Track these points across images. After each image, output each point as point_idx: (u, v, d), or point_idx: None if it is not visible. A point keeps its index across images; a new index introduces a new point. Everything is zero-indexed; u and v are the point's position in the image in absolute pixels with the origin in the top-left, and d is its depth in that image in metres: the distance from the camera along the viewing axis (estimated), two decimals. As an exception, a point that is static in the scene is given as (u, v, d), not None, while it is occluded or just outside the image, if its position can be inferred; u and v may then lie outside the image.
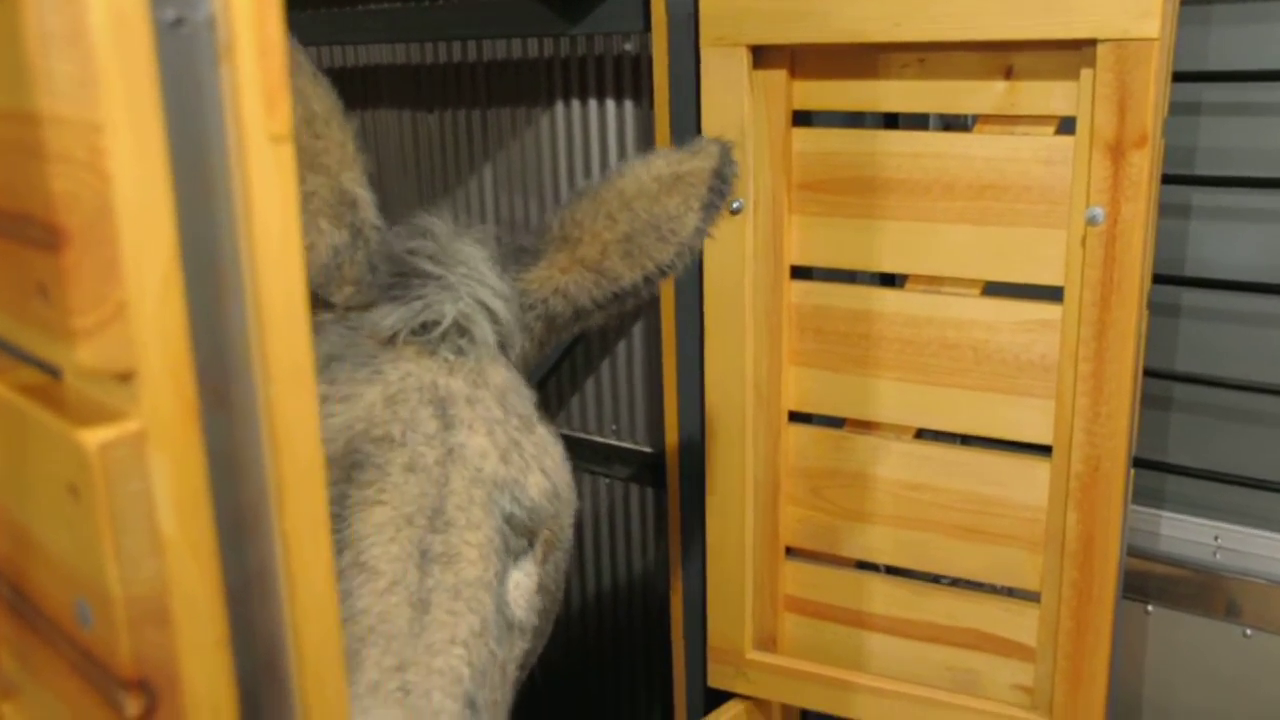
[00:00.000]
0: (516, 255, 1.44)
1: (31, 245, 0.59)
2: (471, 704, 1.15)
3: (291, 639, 0.67)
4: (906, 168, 1.82)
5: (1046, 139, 1.72)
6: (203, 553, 0.64)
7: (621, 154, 2.38)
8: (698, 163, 1.46)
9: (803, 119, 1.90)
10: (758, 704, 2.12)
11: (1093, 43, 1.62)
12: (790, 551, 2.06)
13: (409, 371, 1.28)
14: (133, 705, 0.63)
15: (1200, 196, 1.95)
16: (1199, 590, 2.04)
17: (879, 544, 1.97)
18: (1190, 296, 2.00)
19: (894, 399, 1.91)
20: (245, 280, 0.63)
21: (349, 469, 1.20)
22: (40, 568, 0.70)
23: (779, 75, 1.86)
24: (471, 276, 1.35)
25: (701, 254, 1.94)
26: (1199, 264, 1.98)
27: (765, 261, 1.93)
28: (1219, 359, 1.98)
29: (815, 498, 2.01)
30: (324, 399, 1.24)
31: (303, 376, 0.65)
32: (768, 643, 2.08)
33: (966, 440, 1.92)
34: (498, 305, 1.35)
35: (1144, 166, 1.62)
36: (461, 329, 1.32)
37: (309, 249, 1.29)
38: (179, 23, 0.59)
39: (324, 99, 1.29)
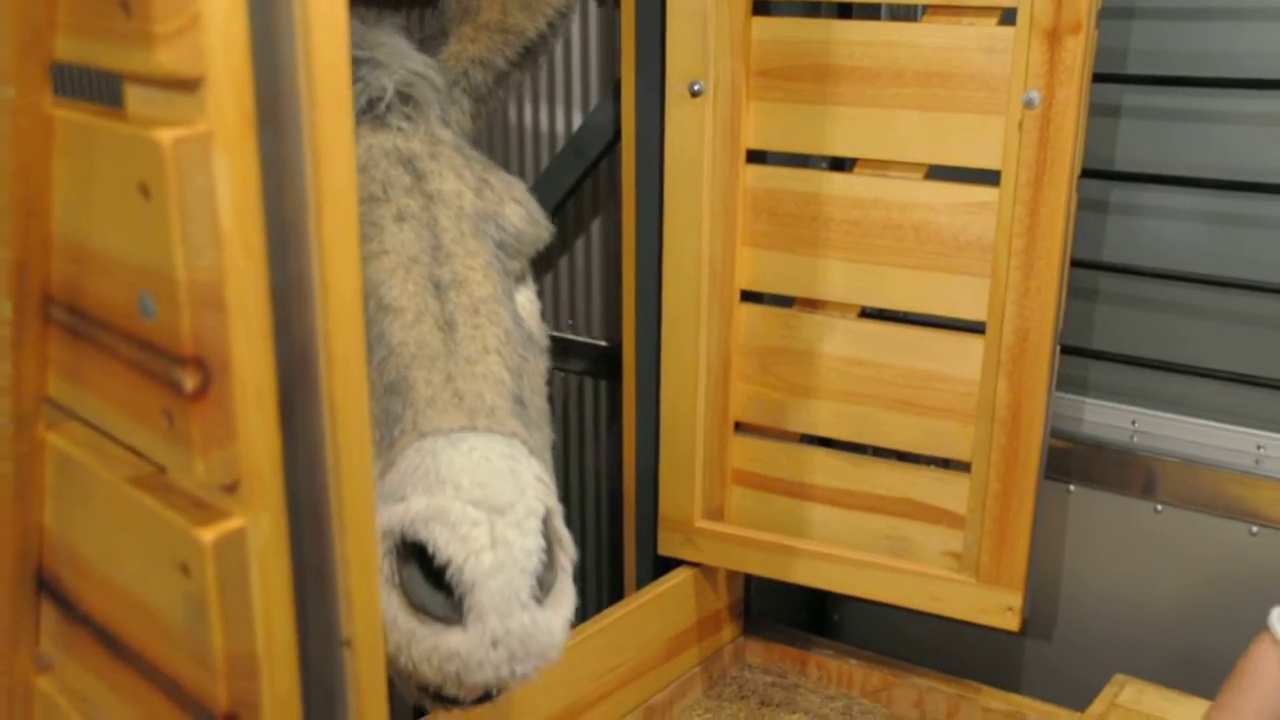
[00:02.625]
0: (425, 43, 1.55)
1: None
2: (519, 400, 1.28)
3: (322, 338, 0.77)
4: (858, 55, 1.93)
5: (990, 28, 1.84)
6: (254, 250, 0.73)
7: (585, 52, 2.46)
8: None
9: (761, 8, 1.99)
10: (704, 570, 2.24)
11: (1033, -64, 1.73)
12: (739, 426, 2.17)
13: (370, 144, 1.38)
14: (190, 380, 0.73)
15: (1131, 96, 2.08)
16: (1117, 470, 2.18)
17: (823, 418, 2.09)
18: (1118, 193, 2.13)
19: (840, 279, 2.02)
20: (296, 10, 0.72)
21: None
22: (100, 276, 0.79)
23: (740, -34, 1.96)
24: (398, 53, 1.45)
25: (662, 140, 2.04)
26: (1126, 162, 2.11)
27: (723, 146, 2.03)
28: (1142, 253, 2.12)
29: (764, 375, 2.12)
30: None
31: (343, 102, 0.75)
32: (715, 513, 2.20)
33: (907, 318, 2.05)
34: (430, 73, 1.46)
35: (1078, 52, 1.74)
36: (405, 97, 1.42)
37: None
38: None
39: None
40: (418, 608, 1.12)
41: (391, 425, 1.22)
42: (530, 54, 1.58)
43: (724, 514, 2.21)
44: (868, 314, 2.04)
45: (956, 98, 1.88)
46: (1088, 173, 2.00)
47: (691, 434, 2.15)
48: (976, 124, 1.87)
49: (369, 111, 1.40)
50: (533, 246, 1.46)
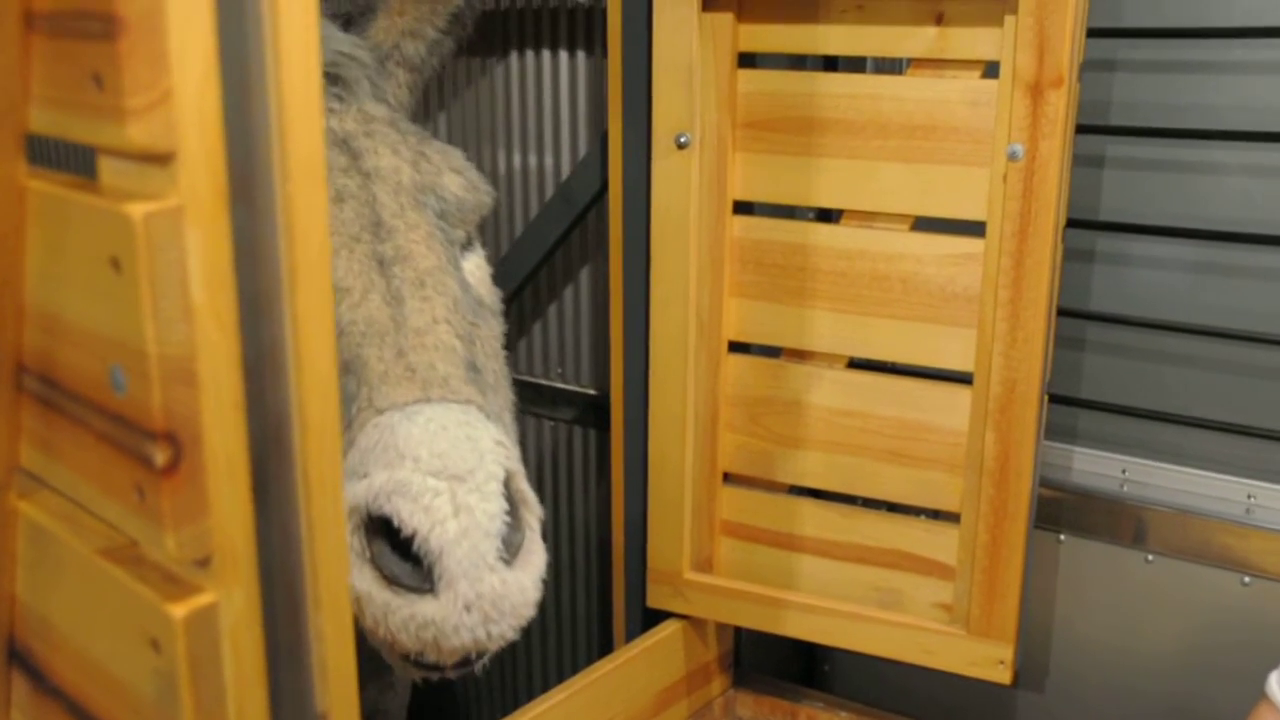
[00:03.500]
0: (352, 21, 1.57)
1: (89, 39, 0.68)
2: (472, 366, 1.30)
3: (296, 409, 0.76)
4: (843, 108, 1.94)
5: (973, 82, 1.85)
6: (226, 323, 0.72)
7: (574, 103, 2.48)
8: None
9: (747, 61, 2.00)
10: (694, 623, 2.22)
11: (1003, -10, 1.75)
12: (728, 477, 2.16)
13: None
14: (161, 455, 0.72)
15: (1114, 147, 2.08)
16: (1107, 519, 2.17)
17: (811, 469, 2.08)
18: (1104, 243, 2.13)
19: (828, 329, 2.02)
20: (270, 81, 0.72)
21: None
22: (73, 349, 0.78)
23: (726, 18, 1.97)
24: (323, 34, 1.44)
25: (649, 191, 2.05)
26: (1112, 212, 2.11)
27: (709, 197, 2.03)
28: (1128, 302, 2.12)
29: (752, 425, 2.12)
30: None
31: (316, 174, 0.75)
32: (704, 565, 2.19)
33: (895, 369, 2.04)
34: (357, 51, 1.48)
35: (1060, 105, 1.75)
36: (333, 78, 1.43)
37: None
38: None
39: None
40: (390, 580, 1.15)
41: (348, 404, 1.23)
42: (458, 20, 1.61)
43: (713, 565, 2.19)
44: (856, 364, 2.04)
45: (941, 150, 1.88)
46: (1073, 223, 2.01)
47: (680, 485, 2.14)
48: (961, 176, 1.87)
49: None
50: (475, 213, 1.48)
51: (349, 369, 1.25)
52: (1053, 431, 2.16)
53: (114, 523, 0.80)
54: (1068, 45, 1.73)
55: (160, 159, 0.69)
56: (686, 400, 2.10)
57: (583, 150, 2.48)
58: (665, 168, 2.03)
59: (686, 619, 2.21)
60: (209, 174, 0.70)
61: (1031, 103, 1.76)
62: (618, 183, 2.14)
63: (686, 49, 1.97)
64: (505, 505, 1.17)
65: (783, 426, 2.09)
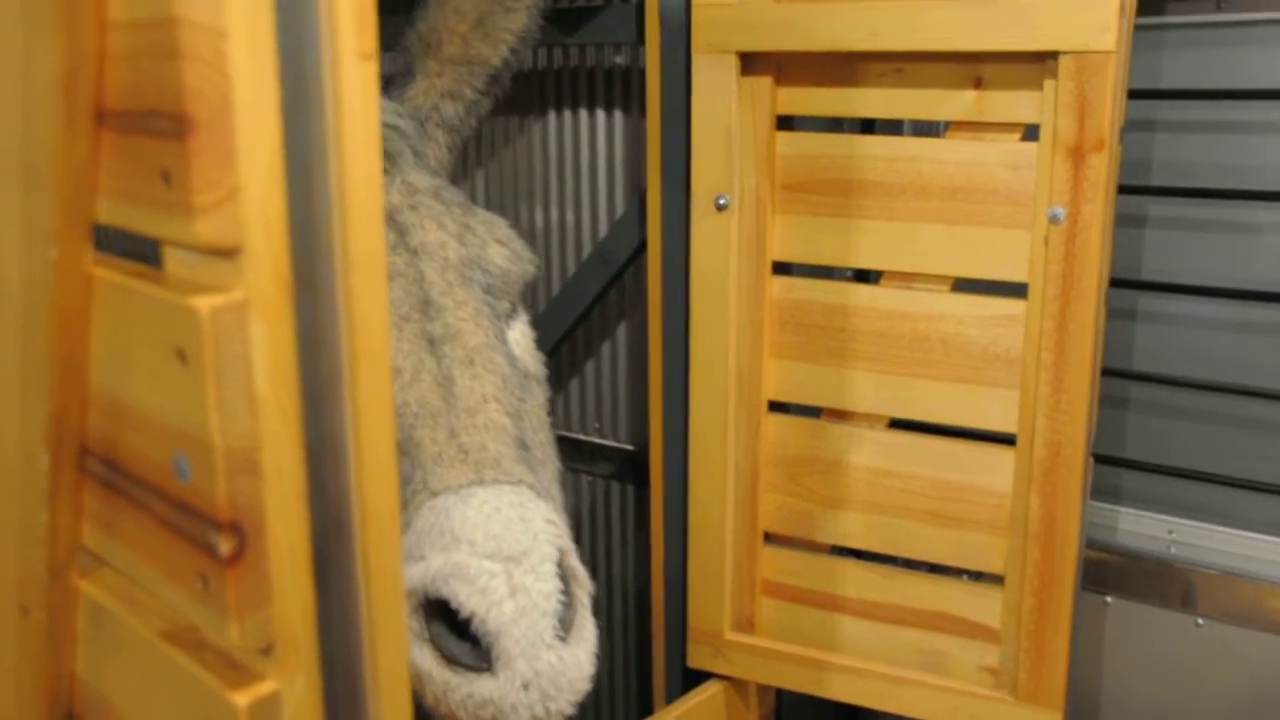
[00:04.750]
0: (391, 83, 1.58)
1: (158, 137, 0.69)
2: (521, 443, 1.32)
3: (357, 499, 0.77)
4: (882, 170, 1.94)
5: (1013, 145, 1.85)
6: (289, 413, 0.73)
7: (612, 162, 2.50)
8: None
9: (786, 123, 2.02)
10: (735, 684, 2.21)
11: (1055, 55, 1.75)
12: (768, 537, 2.16)
13: None
14: (225, 545, 0.73)
15: (1155, 207, 2.08)
16: (1154, 582, 2.15)
17: (853, 529, 2.07)
18: (1146, 302, 2.12)
19: (868, 389, 2.02)
20: (332, 177, 0.73)
21: None
22: (137, 435, 0.79)
23: (765, 81, 1.98)
24: None
25: (688, 252, 2.06)
26: (1154, 272, 2.11)
27: (749, 258, 2.04)
28: (1173, 361, 2.11)
29: (793, 485, 2.11)
30: None
31: (377, 265, 0.76)
32: (745, 625, 2.17)
33: (936, 429, 2.03)
34: (399, 121, 1.49)
35: (1102, 169, 1.75)
36: None
37: None
38: (286, -49, 0.70)
39: None
40: (449, 659, 1.17)
41: (402, 486, 1.25)
42: (496, 80, 1.63)
43: (754, 626, 2.18)
44: (897, 425, 2.03)
45: (981, 212, 1.89)
46: (1116, 282, 2.00)
47: (720, 544, 2.13)
48: (1002, 238, 1.87)
49: None
50: (519, 283, 1.50)
51: (403, 451, 1.27)
52: (1098, 492, 2.14)
53: (175, 607, 0.81)
54: (1109, 109, 1.73)
55: (226, 253, 0.70)
56: (727, 460, 2.10)
57: (620, 209, 2.50)
58: (705, 229, 2.04)
59: (728, 680, 2.20)
60: (273, 268, 0.71)
61: (1073, 166, 1.76)
62: (656, 242, 2.16)
63: (726, 112, 1.98)
64: (559, 584, 1.18)
65: (823, 486, 2.08)
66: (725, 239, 2.03)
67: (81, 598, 0.91)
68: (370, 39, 0.73)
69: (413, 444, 1.26)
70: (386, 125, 1.49)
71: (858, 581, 2.08)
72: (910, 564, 2.09)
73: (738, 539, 2.14)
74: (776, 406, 2.12)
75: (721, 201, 2.01)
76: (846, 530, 2.08)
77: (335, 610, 0.78)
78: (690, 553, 2.16)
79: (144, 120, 0.70)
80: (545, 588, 1.17)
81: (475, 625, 1.15)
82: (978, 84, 1.88)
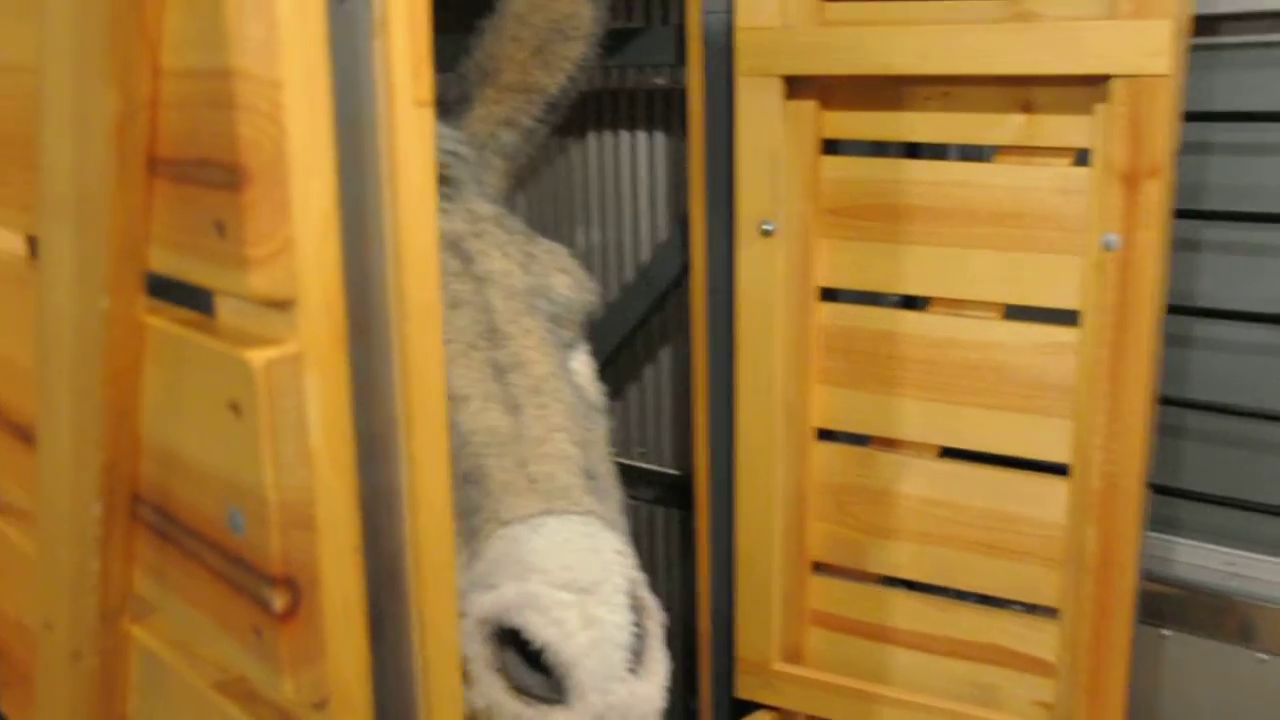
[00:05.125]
0: (450, 110, 1.57)
1: (212, 187, 0.68)
2: (589, 473, 1.32)
3: (411, 551, 0.76)
4: (930, 195, 1.92)
5: (1063, 169, 1.82)
6: (343, 466, 0.72)
7: (654, 184, 2.48)
8: None
9: (832, 147, 2.00)
10: (783, 715, 2.18)
11: (1107, 79, 1.72)
12: (817, 566, 2.13)
13: None
14: (280, 600, 0.71)
15: (1212, 231, 2.04)
16: (1214, 615, 2.10)
17: (903, 560, 2.04)
18: (1202, 328, 2.08)
19: (918, 418, 1.99)
20: (387, 226, 0.72)
21: None
22: (190, 486, 0.78)
23: (810, 105, 1.96)
24: None
25: (732, 277, 2.04)
26: (1210, 297, 2.06)
27: (794, 284, 2.02)
28: (1231, 389, 2.06)
29: (841, 514, 2.08)
30: None
31: (433, 315, 0.74)
32: (794, 655, 2.15)
33: (987, 458, 2.00)
34: (461, 149, 1.49)
35: (1157, 195, 1.71)
36: (441, 178, 1.41)
37: None
38: (344, 1, 0.69)
39: None
40: (521, 690, 1.16)
41: (472, 514, 1.25)
42: (553, 109, 1.61)
43: (803, 656, 2.15)
44: (947, 454, 2.00)
45: (1031, 238, 1.86)
46: (1172, 308, 1.96)
47: (768, 573, 2.11)
48: (1052, 264, 1.84)
49: None
50: (582, 312, 1.50)
51: (472, 479, 1.26)
52: (1155, 522, 2.10)
53: (228, 658, 0.80)
54: (1164, 135, 1.70)
55: (281, 305, 0.69)
56: (774, 487, 2.08)
57: (663, 231, 2.49)
58: (750, 255, 2.02)
59: (776, 710, 2.17)
60: (328, 319, 0.70)
61: (1127, 192, 1.73)
62: (700, 267, 2.14)
63: (770, 136, 1.96)
64: (631, 616, 1.18)
65: (873, 516, 2.05)
66: (771, 264, 2.01)
67: (134, 644, 0.90)
68: (426, 86, 0.72)
69: (481, 473, 1.26)
70: (448, 152, 1.48)
71: (908, 613, 2.05)
72: (962, 595, 2.05)
73: (786, 568, 2.11)
74: (824, 434, 2.09)
75: (767, 227, 1.99)
76: (897, 560, 2.05)
77: (390, 665, 0.76)
78: (737, 582, 2.14)
79: (198, 170, 0.69)
80: (618, 620, 1.16)
81: (548, 656, 1.14)
82: (1027, 108, 1.85)
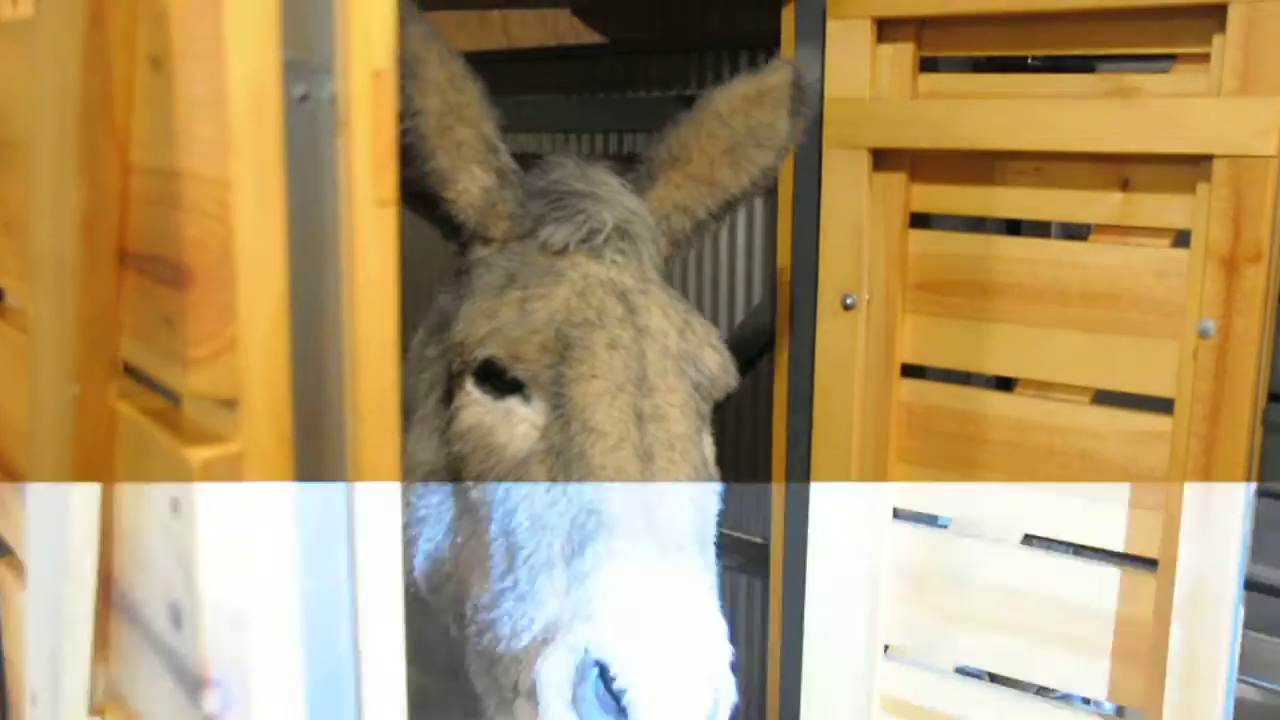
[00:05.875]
0: (634, 183, 1.59)
1: (163, 283, 0.68)
2: (700, 540, 1.33)
3: (361, 654, 0.74)
4: (1020, 273, 1.84)
5: (1160, 250, 1.73)
6: (285, 567, 0.71)
7: (750, 246, 2.45)
8: (775, 79, 1.64)
9: (919, 221, 1.94)
10: (848, 803, 2.10)
11: (1209, 158, 1.63)
12: (888, 650, 2.05)
13: (587, 272, 1.45)
14: (209, 702, 0.70)
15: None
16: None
17: (979, 648, 1.95)
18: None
19: (999, 502, 1.91)
20: (345, 327, 0.71)
21: (561, 351, 1.38)
22: (145, 575, 0.78)
23: (898, 178, 1.91)
24: (616, 191, 1.52)
25: (814, 348, 1.99)
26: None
27: (876, 358, 1.96)
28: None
29: (917, 597, 2.00)
30: (523, 301, 1.42)
31: (388, 415, 0.73)
32: (863, 741, 2.07)
33: (1072, 549, 1.91)
34: (644, 213, 1.53)
35: (1258, 281, 1.62)
36: (622, 232, 1.49)
37: (463, 193, 1.50)
38: (305, 98, 0.68)
39: (457, 63, 1.47)
40: None
41: (584, 542, 1.26)
42: (728, 208, 1.64)
43: (872, 744, 2.07)
44: (1028, 540, 1.91)
45: (1124, 320, 1.77)
46: (1275, 396, 1.85)
47: (837, 653, 2.04)
48: (1146, 348, 1.75)
49: (587, 241, 1.47)
50: (723, 391, 1.51)
51: (590, 509, 1.28)
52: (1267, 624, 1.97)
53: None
54: (1267, 217, 1.60)
55: (225, 403, 0.68)
56: (847, 565, 2.01)
57: (757, 296, 2.45)
58: (831, 328, 1.97)
59: (841, 798, 2.09)
60: (273, 420, 0.69)
61: (1226, 277, 1.64)
62: (784, 337, 2.09)
63: (856, 208, 1.92)
64: (714, 696, 1.17)
65: (949, 601, 1.97)
66: (852, 339, 1.95)
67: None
68: (389, 185, 0.70)
69: (602, 505, 1.28)
70: (635, 212, 1.53)
71: (984, 705, 1.96)
72: (1041, 690, 1.95)
73: (854, 650, 2.04)
74: (902, 514, 2.02)
75: (849, 301, 1.93)
76: (973, 649, 1.96)
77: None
78: (805, 661, 2.07)
79: (152, 265, 0.69)
80: (700, 698, 1.16)
81: (627, 701, 1.14)
82: (1124, 186, 1.76)
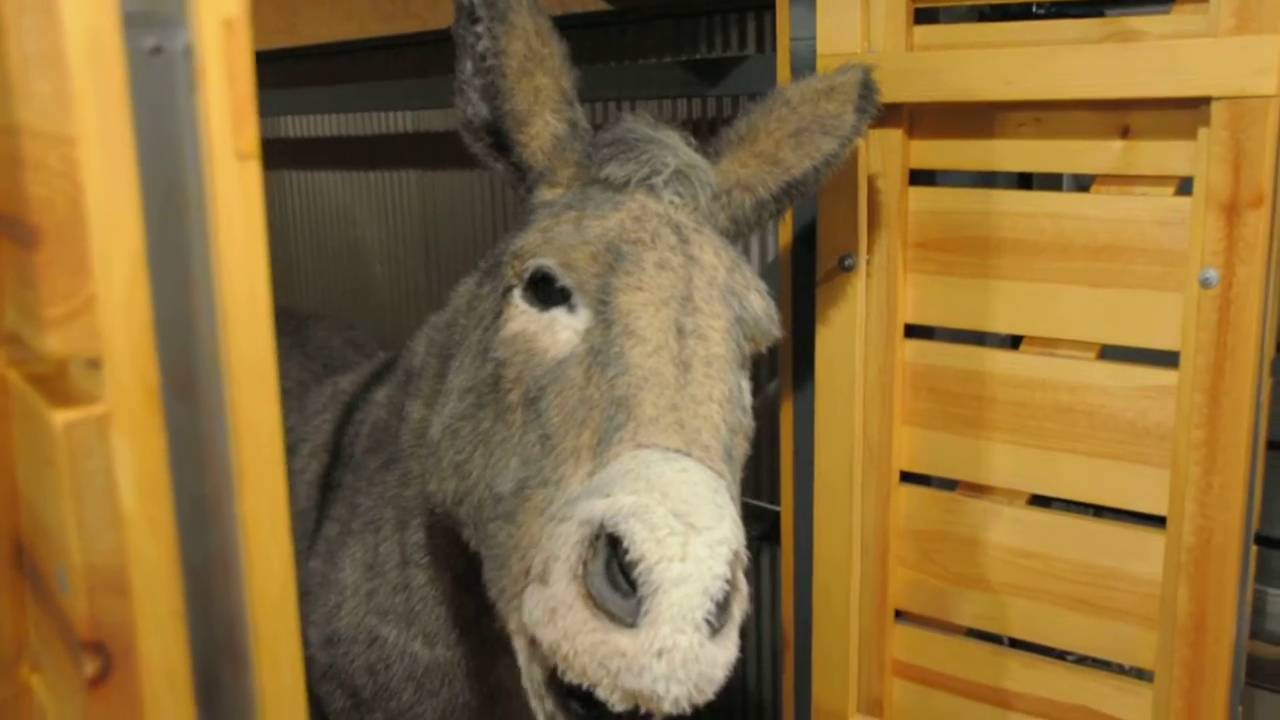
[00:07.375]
0: (706, 157, 1.62)
1: (18, 244, 0.67)
2: (728, 454, 1.33)
3: (250, 618, 0.73)
4: (1021, 228, 1.80)
5: (1163, 199, 1.68)
6: (161, 530, 0.70)
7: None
8: (846, 78, 1.71)
9: (919, 178, 1.89)
10: (862, 769, 2.08)
11: (1208, 100, 1.57)
12: (899, 615, 2.02)
13: (645, 204, 1.48)
14: (90, 665, 0.69)
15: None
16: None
17: (990, 611, 1.92)
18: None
19: (1007, 463, 1.86)
20: (213, 283, 0.69)
21: (610, 262, 1.40)
22: (41, 540, 0.77)
23: (895, 134, 1.86)
24: (682, 145, 1.56)
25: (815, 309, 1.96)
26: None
27: (878, 319, 1.92)
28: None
29: (926, 561, 1.97)
30: (579, 219, 1.45)
31: (265, 373, 0.71)
32: (874, 706, 2.04)
33: (1080, 507, 1.86)
34: (707, 168, 1.56)
35: (1260, 227, 1.56)
36: (682, 176, 1.52)
37: (535, 136, 1.55)
38: (158, 50, 0.67)
39: (545, 19, 1.53)
40: (595, 601, 1.14)
41: (611, 432, 1.26)
42: (789, 192, 1.66)
43: (883, 708, 2.04)
44: (1037, 501, 1.87)
45: (1128, 273, 1.71)
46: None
47: (845, 619, 2.01)
48: (1151, 301, 1.70)
49: (647, 180, 1.50)
50: (765, 338, 1.51)
51: (621, 404, 1.28)
52: (1272, 576, 1.92)
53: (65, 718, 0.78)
54: (1268, 160, 1.54)
55: (89, 364, 0.68)
56: (853, 530, 1.98)
57: (770, 259, 2.41)
58: (830, 289, 1.94)
59: (854, 764, 2.07)
60: (139, 379, 0.68)
61: (1227, 224, 1.58)
62: (786, 301, 2.06)
63: (853, 167, 1.87)
64: (729, 574, 1.13)
65: (959, 564, 1.93)
66: (853, 300, 1.92)
67: (33, 695, 0.90)
68: (250, 138, 0.69)
69: (633, 401, 1.28)
70: (697, 165, 1.55)
71: (994, 668, 1.92)
72: (1051, 652, 1.91)
73: (866, 615, 2.01)
74: (909, 477, 1.98)
75: (848, 262, 1.89)
76: (983, 612, 1.92)
77: (221, 735, 0.73)
78: (814, 627, 2.05)
79: (7, 225, 0.68)
80: (716, 568, 1.12)
81: (639, 572, 1.11)
82: (1125, 133, 1.71)
